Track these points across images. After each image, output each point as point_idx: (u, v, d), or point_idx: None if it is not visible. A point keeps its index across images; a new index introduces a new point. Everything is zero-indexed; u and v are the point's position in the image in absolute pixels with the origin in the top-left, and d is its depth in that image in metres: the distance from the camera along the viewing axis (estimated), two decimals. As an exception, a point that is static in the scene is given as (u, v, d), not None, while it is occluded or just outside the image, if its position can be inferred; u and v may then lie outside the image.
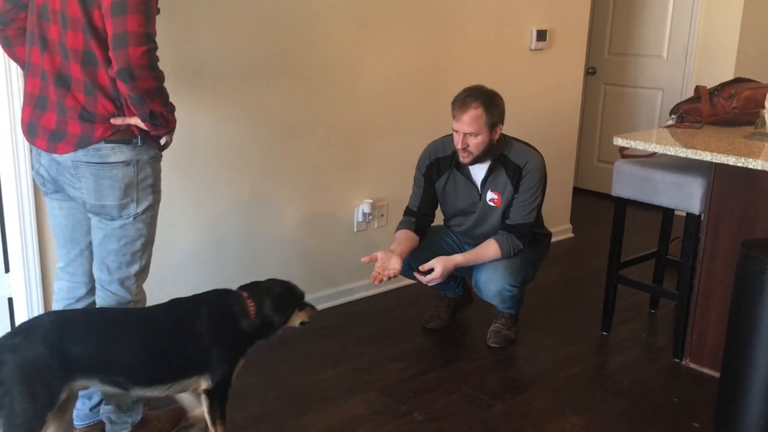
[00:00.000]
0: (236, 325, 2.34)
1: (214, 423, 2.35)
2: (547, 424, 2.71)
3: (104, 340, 2.16)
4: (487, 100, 2.96)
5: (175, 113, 2.20)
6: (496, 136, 3.02)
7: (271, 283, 2.48)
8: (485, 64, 4.08)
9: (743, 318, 2.54)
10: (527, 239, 3.11)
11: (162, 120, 2.14)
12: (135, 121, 2.14)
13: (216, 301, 2.35)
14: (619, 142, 3.14)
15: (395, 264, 2.99)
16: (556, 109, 4.61)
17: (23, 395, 2.02)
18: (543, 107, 4.50)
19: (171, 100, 2.15)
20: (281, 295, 2.44)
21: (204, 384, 2.30)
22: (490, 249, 3.07)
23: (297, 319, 2.51)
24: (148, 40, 2.00)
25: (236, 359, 2.36)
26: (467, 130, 2.95)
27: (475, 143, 2.98)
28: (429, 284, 3.08)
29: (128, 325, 2.24)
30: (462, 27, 3.95)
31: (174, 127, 2.24)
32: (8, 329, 2.91)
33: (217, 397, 2.33)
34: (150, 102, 2.06)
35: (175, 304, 2.35)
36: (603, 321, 3.47)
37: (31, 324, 2.16)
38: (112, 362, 2.16)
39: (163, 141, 2.31)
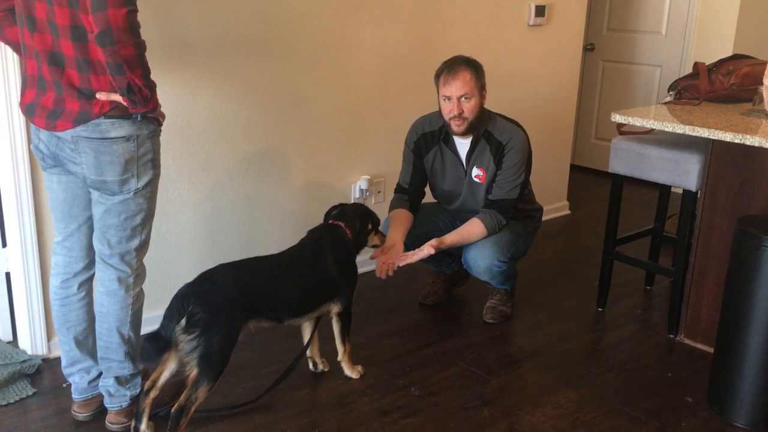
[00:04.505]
0: (348, 252, 2.78)
1: (343, 341, 2.79)
2: (542, 398, 2.74)
3: (269, 283, 2.52)
4: (472, 65, 3.00)
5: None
6: (485, 102, 3.04)
7: (354, 206, 2.97)
8: (483, 39, 4.05)
9: (738, 294, 2.55)
10: (510, 214, 3.11)
11: (140, 97, 2.05)
12: (117, 96, 2.08)
13: (331, 238, 2.75)
14: (617, 118, 3.13)
15: (399, 251, 3.03)
16: (554, 86, 4.59)
17: (219, 336, 2.31)
18: (541, 84, 4.48)
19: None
20: (363, 215, 2.90)
21: (335, 308, 2.72)
22: (475, 228, 3.07)
23: (372, 241, 2.97)
24: (127, 1, 1.94)
25: (355, 281, 2.79)
26: (461, 93, 2.95)
27: (470, 107, 2.98)
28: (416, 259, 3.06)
29: (281, 267, 2.59)
30: (459, 1, 3.92)
31: (154, 108, 2.15)
32: (6, 304, 2.92)
33: (346, 318, 2.76)
34: (129, 71, 1.98)
35: (306, 245, 2.74)
36: (598, 297, 3.49)
37: (214, 274, 2.42)
38: (275, 301, 2.53)
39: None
